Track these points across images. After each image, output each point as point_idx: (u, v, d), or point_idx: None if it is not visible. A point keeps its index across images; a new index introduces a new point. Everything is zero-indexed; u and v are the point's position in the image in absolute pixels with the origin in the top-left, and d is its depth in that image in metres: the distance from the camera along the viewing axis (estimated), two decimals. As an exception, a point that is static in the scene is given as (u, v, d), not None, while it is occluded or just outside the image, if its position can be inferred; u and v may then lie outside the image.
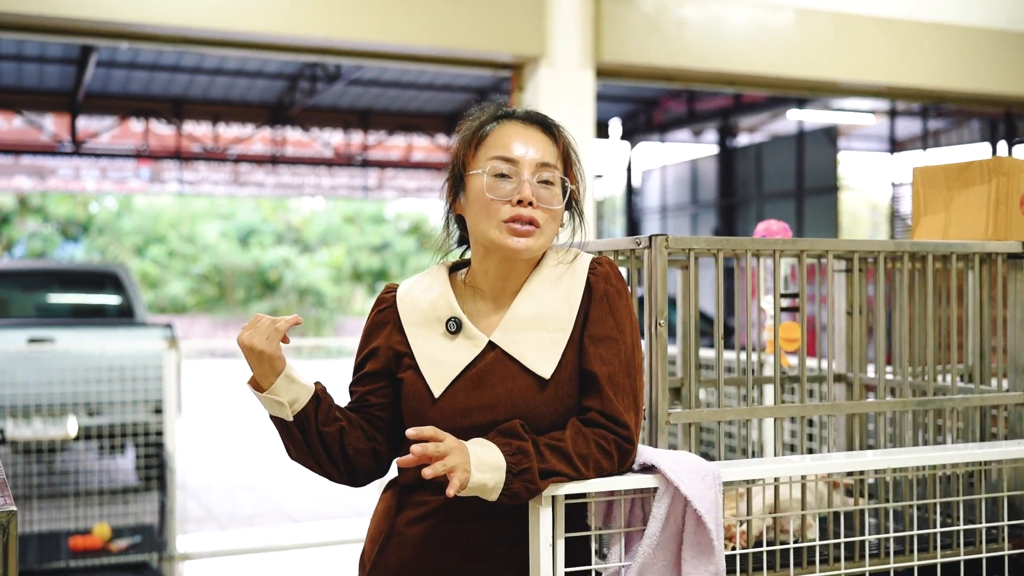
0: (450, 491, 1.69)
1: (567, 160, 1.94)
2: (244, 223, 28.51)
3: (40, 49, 11.12)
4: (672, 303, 8.43)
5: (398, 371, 1.94)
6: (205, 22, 6.59)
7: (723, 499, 2.42)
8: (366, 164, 15.52)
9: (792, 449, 3.58)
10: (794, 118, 14.36)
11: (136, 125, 14.12)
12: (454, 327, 1.91)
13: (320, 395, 1.90)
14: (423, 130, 15.12)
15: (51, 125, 13.89)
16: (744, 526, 2.29)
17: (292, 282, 28.26)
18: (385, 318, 1.98)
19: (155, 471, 6.16)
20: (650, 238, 2.04)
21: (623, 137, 16.52)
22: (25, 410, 6.54)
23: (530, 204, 1.86)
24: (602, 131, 15.99)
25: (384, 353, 1.96)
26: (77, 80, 12.23)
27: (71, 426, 6.59)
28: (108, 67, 12.08)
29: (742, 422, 4.04)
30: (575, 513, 1.92)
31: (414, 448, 1.71)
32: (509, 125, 1.93)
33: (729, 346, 8.56)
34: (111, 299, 9.09)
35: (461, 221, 1.99)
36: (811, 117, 14.19)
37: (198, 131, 14.35)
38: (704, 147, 16.91)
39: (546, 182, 1.89)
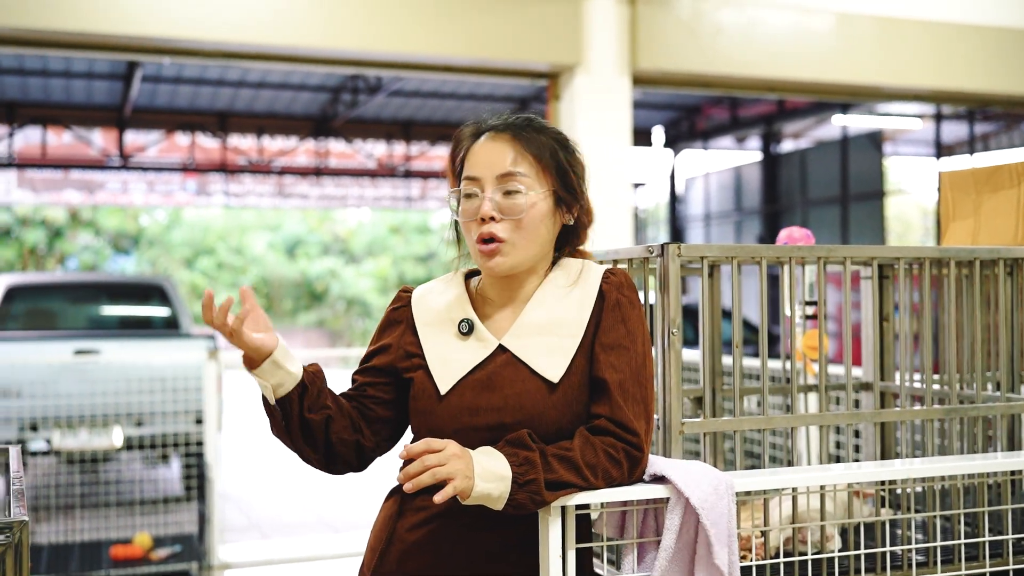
0: (437, 497, 1.69)
1: (539, 162, 1.91)
2: (291, 234, 28.76)
3: (88, 66, 11.31)
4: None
5: (407, 371, 1.95)
6: (248, 37, 6.68)
7: (741, 510, 2.39)
8: (409, 175, 15.60)
9: (830, 459, 3.53)
10: (839, 123, 14.21)
11: (182, 139, 14.31)
12: (466, 328, 1.93)
13: (307, 382, 1.89)
14: (464, 139, 15.15)
15: (99, 140, 14.12)
16: (765, 537, 2.26)
17: (338, 292, 28.45)
18: (399, 316, 2.01)
19: (196, 481, 6.23)
20: (662, 246, 2.03)
21: (666, 145, 16.45)
22: (72, 420, 6.64)
23: (492, 219, 1.88)
24: (645, 139, 15.93)
25: (394, 351, 1.98)
26: (124, 95, 12.43)
27: (116, 436, 6.68)
28: (154, 82, 12.26)
29: (784, 432, 3.99)
30: (583, 521, 1.91)
31: (408, 468, 1.71)
32: (482, 142, 1.94)
33: (774, 354, 8.47)
34: (157, 311, 9.20)
35: None
36: (856, 122, 14.05)
37: (243, 144, 14.51)
38: (748, 154, 16.79)
39: (509, 192, 1.90)
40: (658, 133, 16.03)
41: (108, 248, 27.65)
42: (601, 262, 2.28)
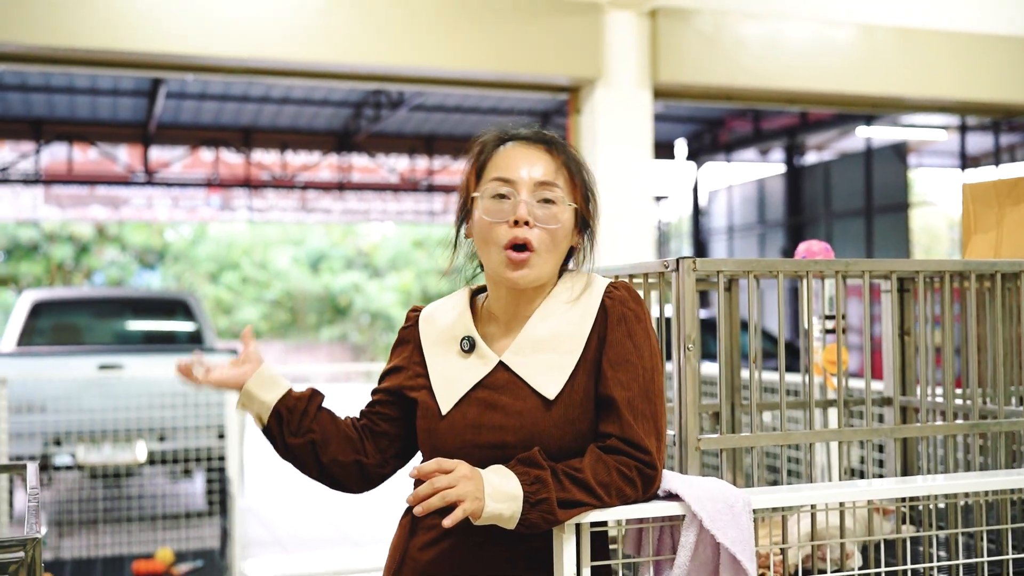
0: (447, 521, 1.67)
1: (572, 180, 1.92)
2: (314, 249, 28.88)
3: (113, 83, 11.42)
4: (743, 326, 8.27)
5: (412, 390, 1.95)
6: (270, 53, 6.73)
7: (760, 526, 2.36)
8: (432, 189, 15.63)
9: (854, 473, 3.49)
10: (863, 135, 14.14)
11: (206, 154, 14.40)
12: (467, 346, 1.92)
13: (285, 409, 1.94)
14: (485, 154, 15.18)
15: (125, 156, 14.23)
16: (784, 554, 2.23)
17: (362, 306, 28.52)
18: (408, 336, 2.02)
19: (219, 495, 6.24)
20: (678, 261, 2.01)
21: (688, 158, 16.41)
22: (96, 435, 6.67)
23: (526, 224, 1.84)
24: (667, 152, 15.90)
25: (403, 373, 1.98)
26: (149, 112, 12.53)
27: (140, 451, 6.71)
28: (179, 98, 12.35)
29: (806, 446, 3.95)
30: (599, 538, 1.90)
31: (419, 491, 1.70)
32: (512, 147, 1.92)
33: (796, 368, 8.42)
34: (181, 326, 9.25)
35: None
36: (880, 134, 13.97)
37: (267, 159, 14.58)
38: (771, 166, 16.73)
39: (546, 200, 1.87)
40: (681, 146, 16.01)
41: (134, 263, 27.85)
42: (617, 277, 2.27)
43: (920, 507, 2.44)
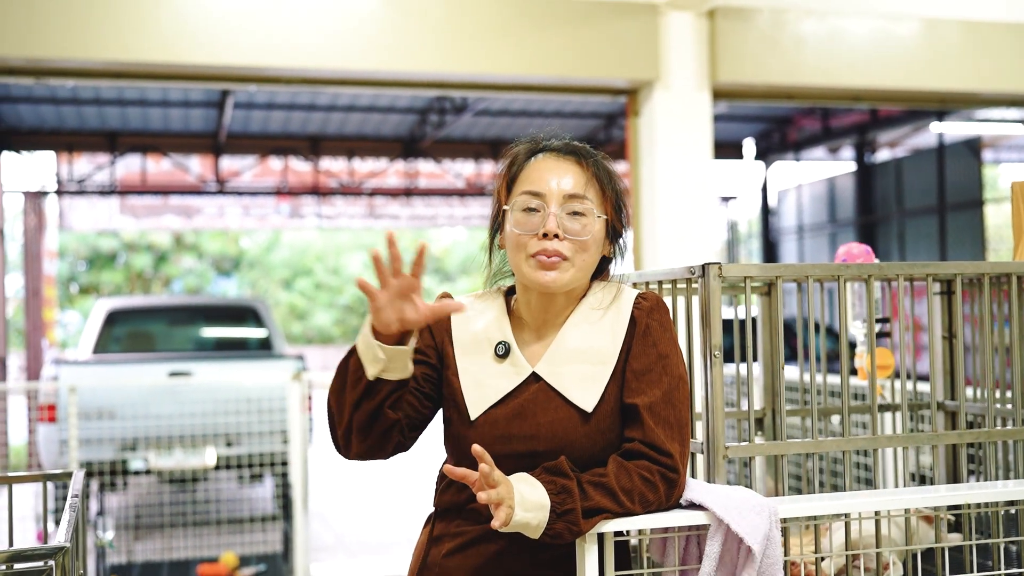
0: (496, 523, 1.68)
1: (603, 190, 1.92)
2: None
3: (184, 95, 11.64)
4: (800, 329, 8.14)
5: (445, 385, 1.94)
6: (333, 64, 6.83)
7: (804, 535, 2.33)
8: (498, 193, 15.65)
9: (924, 480, 3.42)
10: (936, 131, 13.84)
11: (275, 163, 14.62)
12: (503, 351, 1.91)
13: (408, 383, 1.84)
14: (553, 157, 15.19)
15: (196, 166, 14.51)
16: (822, 564, 2.20)
17: (434, 311, 28.67)
18: (443, 322, 1.96)
19: (283, 500, 6.33)
20: (703, 267, 1.99)
21: (757, 157, 16.22)
22: (166, 441, 6.82)
23: (556, 237, 1.85)
24: (736, 152, 15.74)
25: (432, 357, 1.95)
26: (219, 122, 12.76)
27: (209, 456, 6.84)
28: (247, 108, 12.56)
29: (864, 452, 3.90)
30: (622, 546, 1.89)
31: (479, 470, 1.68)
32: (542, 159, 1.94)
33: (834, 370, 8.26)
34: (251, 332, 9.40)
35: None
36: (954, 129, 13.66)
37: (334, 167, 14.75)
38: (841, 164, 16.46)
39: (576, 213, 1.88)
40: (749, 145, 15.83)
41: (211, 271, 28.38)
42: (648, 284, 2.26)
43: (970, 515, 2.39)
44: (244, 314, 9.76)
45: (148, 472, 6.87)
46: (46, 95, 11.35)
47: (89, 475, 6.36)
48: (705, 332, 1.99)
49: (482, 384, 1.90)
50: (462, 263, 29.51)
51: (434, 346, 1.96)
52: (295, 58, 6.73)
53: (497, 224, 1.99)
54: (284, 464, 6.54)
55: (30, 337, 13.68)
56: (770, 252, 16.88)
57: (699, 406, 2.04)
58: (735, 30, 7.22)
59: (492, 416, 1.87)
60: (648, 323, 1.87)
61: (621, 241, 1.97)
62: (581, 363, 1.87)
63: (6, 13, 6.18)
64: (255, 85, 7.33)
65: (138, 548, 6.48)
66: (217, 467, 6.85)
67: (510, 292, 2.03)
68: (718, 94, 7.44)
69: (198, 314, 9.93)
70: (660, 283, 2.21)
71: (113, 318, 9.07)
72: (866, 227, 15.05)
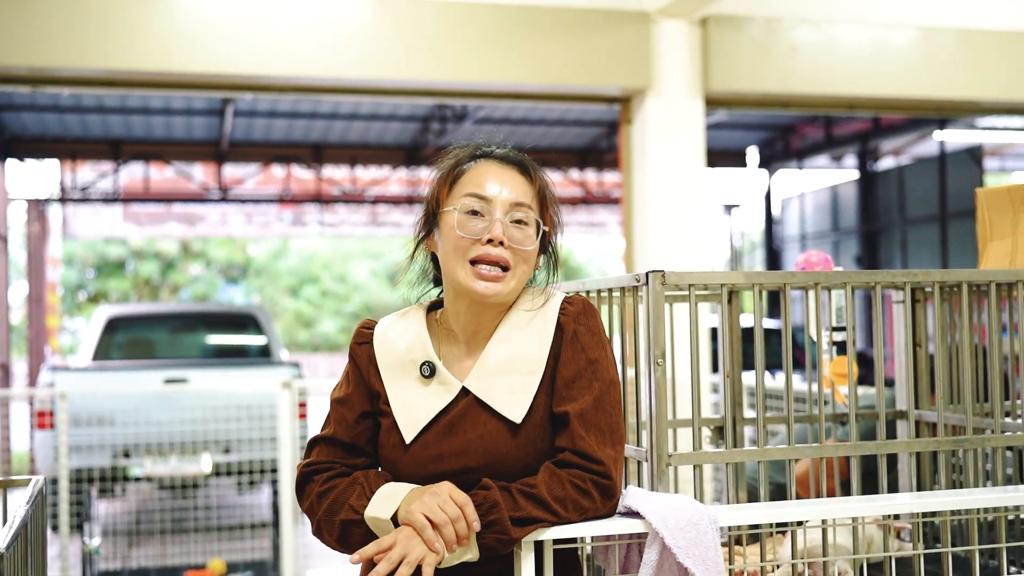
0: (427, 571, 1.66)
1: (543, 202, 1.92)
2: (392, 261, 29.14)
3: (186, 103, 11.70)
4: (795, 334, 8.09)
5: (380, 416, 1.91)
6: (333, 72, 6.86)
7: (766, 542, 2.33)
8: (501, 201, 15.66)
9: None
10: (939, 139, 13.80)
11: (278, 171, 14.67)
12: (428, 371, 1.87)
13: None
14: (556, 165, 15.19)
15: (199, 174, 14.56)
16: (775, 572, 2.20)
17: (439, 319, 28.68)
18: (365, 351, 1.94)
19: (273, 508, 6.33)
20: (647, 274, 1.99)
21: (760, 165, 16.20)
22: (162, 448, 6.83)
23: (500, 244, 1.83)
24: (739, 160, 15.73)
25: (366, 393, 1.92)
26: (221, 130, 12.81)
27: (205, 463, 6.85)
28: (249, 116, 12.60)
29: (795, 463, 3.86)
30: (568, 555, 1.89)
31: (377, 571, 1.65)
32: (486, 164, 1.92)
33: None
34: (249, 339, 9.42)
35: (436, 259, 1.97)
36: (956, 137, 13.62)
37: (337, 174, 14.79)
38: (844, 172, 16.43)
39: (519, 222, 1.87)
40: (752, 154, 15.82)
41: (218, 278, 28.44)
42: (599, 292, 2.26)
43: (937, 523, 2.38)
44: (244, 321, 9.79)
45: (145, 479, 6.88)
46: (49, 103, 11.41)
47: (79, 481, 6.38)
48: (650, 339, 1.98)
49: (412, 406, 1.86)
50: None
51: (366, 393, 1.91)
52: (292, 67, 6.75)
53: (428, 226, 1.95)
54: (273, 471, 6.54)
55: (33, 343, 13.75)
56: (773, 261, 16.85)
57: (644, 414, 2.04)
58: (728, 38, 7.22)
59: (425, 438, 1.84)
60: (576, 328, 1.84)
61: (551, 253, 1.95)
62: (509, 374, 1.83)
63: (7, 22, 6.22)
64: (252, 93, 7.36)
65: (133, 555, 6.49)
66: (216, 474, 6.86)
67: (434, 307, 1.99)
68: (711, 102, 7.43)
69: (198, 321, 9.95)
70: (610, 291, 2.21)
71: (113, 325, 9.10)
72: (869, 235, 15.02)
